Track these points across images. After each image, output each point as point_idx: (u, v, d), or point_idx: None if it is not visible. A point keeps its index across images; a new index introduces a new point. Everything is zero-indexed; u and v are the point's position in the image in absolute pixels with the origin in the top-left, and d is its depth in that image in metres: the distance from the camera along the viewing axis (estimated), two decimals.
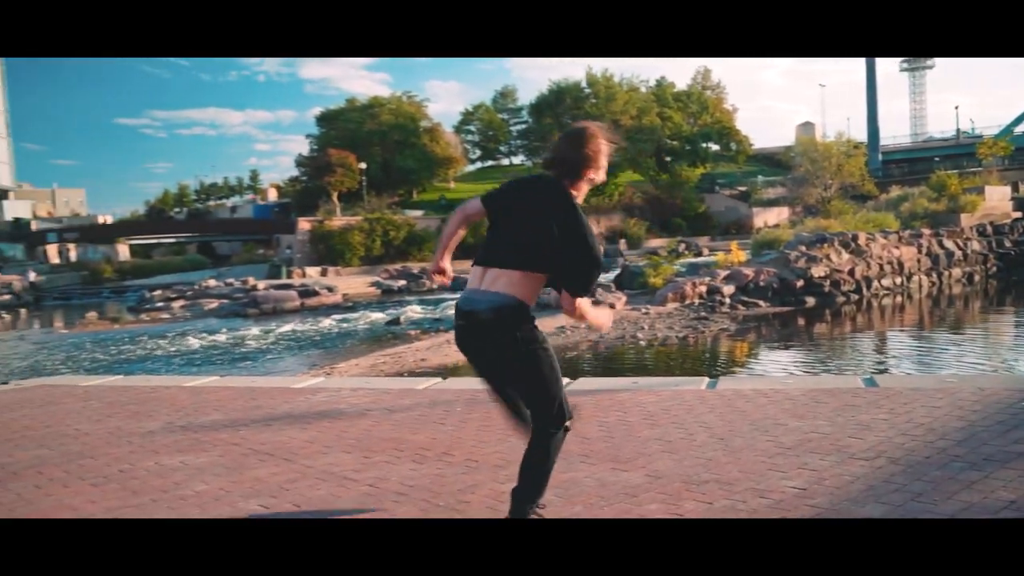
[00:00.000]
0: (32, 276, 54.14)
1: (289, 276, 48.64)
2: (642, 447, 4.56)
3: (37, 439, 5.58)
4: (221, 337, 26.09)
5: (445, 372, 15.22)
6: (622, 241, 58.27)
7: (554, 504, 3.66)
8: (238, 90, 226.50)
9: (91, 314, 36.54)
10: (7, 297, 46.78)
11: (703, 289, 20.17)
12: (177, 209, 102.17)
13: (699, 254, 44.59)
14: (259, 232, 72.30)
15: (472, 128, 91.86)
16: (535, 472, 3.29)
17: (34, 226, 73.91)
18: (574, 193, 3.35)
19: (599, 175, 3.45)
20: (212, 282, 45.65)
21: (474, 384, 7.18)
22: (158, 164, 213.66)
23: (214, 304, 38.04)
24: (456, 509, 3.70)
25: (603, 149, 3.45)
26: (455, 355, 17.39)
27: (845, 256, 22.02)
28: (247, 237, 74.92)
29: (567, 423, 3.33)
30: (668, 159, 75.32)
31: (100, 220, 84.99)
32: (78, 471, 4.72)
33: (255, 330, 27.34)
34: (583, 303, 3.26)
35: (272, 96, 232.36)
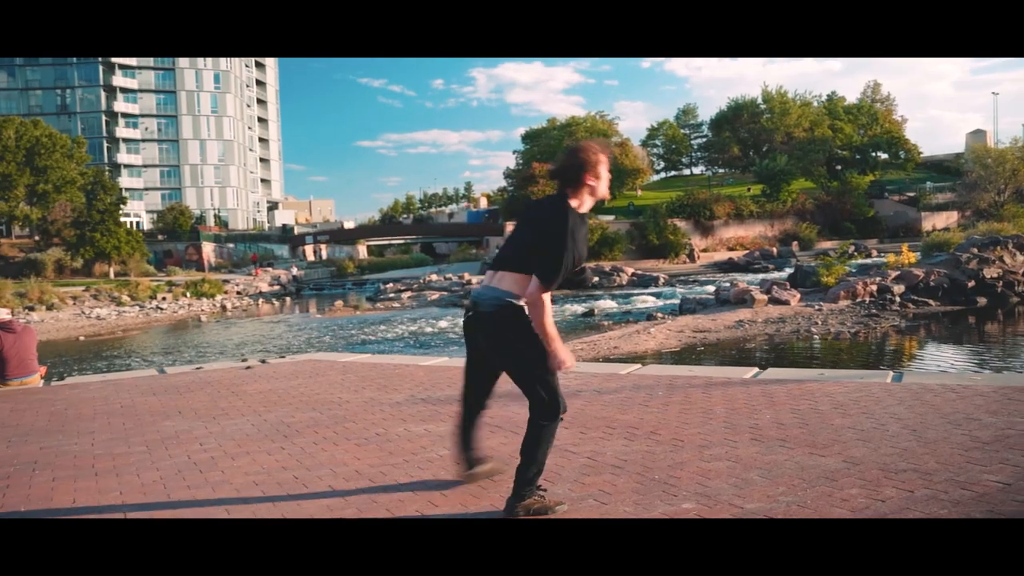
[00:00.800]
0: (295, 271, 58.07)
1: None
2: (836, 435, 4.29)
3: (311, 404, 5.93)
4: (442, 323, 26.94)
5: (636, 359, 15.09)
6: (795, 243, 55.75)
7: (758, 484, 3.51)
8: (455, 114, 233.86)
9: (338, 302, 38.61)
10: (277, 287, 50.43)
11: (874, 288, 18.96)
12: (405, 215, 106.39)
13: (868, 256, 42.02)
14: (472, 234, 74.21)
15: (657, 142, 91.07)
16: (527, 458, 3.31)
17: (296, 231, 79.08)
18: (574, 202, 3.30)
19: (599, 184, 3.38)
20: (434, 277, 47.30)
21: (672, 371, 7.05)
22: (390, 178, 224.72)
23: (436, 296, 39.32)
24: (668, 483, 3.61)
25: (599, 159, 3.38)
26: (644, 344, 17.18)
27: (1020, 258, 20.10)
28: (462, 239, 77.04)
29: (560, 415, 3.36)
30: (838, 167, 71.43)
31: (345, 225, 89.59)
32: (344, 432, 4.96)
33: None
34: (546, 314, 3.21)
35: (483, 119, 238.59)
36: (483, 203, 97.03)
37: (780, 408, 5.04)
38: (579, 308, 29.52)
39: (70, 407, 6.38)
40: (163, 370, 8.56)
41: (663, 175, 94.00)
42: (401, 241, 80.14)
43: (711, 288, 30.22)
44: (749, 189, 69.59)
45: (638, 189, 78.66)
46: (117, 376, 8.93)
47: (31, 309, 37.12)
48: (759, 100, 78.47)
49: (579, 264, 3.27)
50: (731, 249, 59.17)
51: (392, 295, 41.10)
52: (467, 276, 45.01)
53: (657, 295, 34.57)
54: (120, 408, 6.21)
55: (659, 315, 22.84)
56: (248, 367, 8.12)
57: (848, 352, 13.55)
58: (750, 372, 6.55)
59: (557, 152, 71.43)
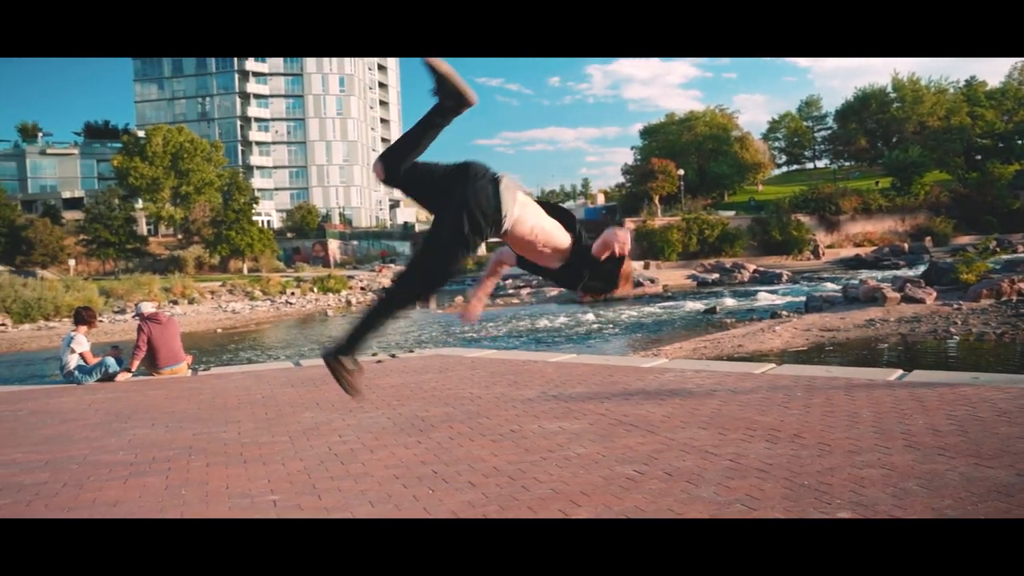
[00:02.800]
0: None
1: None
2: (1004, 444, 3.96)
3: (443, 399, 5.97)
4: (562, 320, 26.91)
5: (762, 358, 14.61)
6: (928, 239, 52.78)
7: (919, 495, 3.26)
8: (572, 111, 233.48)
9: (458, 298, 39.11)
10: None
11: (1023, 286, 17.72)
12: None
13: (1013, 251, 39.36)
14: (589, 231, 73.81)
15: (778, 135, 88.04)
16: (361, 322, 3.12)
17: (417, 228, 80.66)
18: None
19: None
20: None
21: (809, 371, 6.74)
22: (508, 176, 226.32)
23: (555, 292, 39.33)
24: (819, 490, 3.41)
25: None
26: (770, 342, 16.62)
27: None
28: None
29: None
30: (978, 157, 67.07)
31: None
32: (478, 428, 4.95)
33: (590, 315, 27.90)
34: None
35: (599, 115, 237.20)
36: (600, 199, 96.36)
37: (933, 413, 4.71)
38: (700, 305, 28.93)
39: (216, 396, 6.65)
40: (298, 363, 8.83)
41: (785, 169, 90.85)
42: None
43: (838, 286, 29.03)
44: (877, 182, 66.43)
45: (759, 184, 76.44)
46: (256, 368, 9.29)
47: (175, 303, 39.34)
48: (889, 88, 74.79)
49: None
50: (858, 245, 56.65)
51: (511, 291, 41.39)
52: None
53: (780, 292, 33.50)
54: (261, 399, 6.43)
55: (784, 313, 22.11)
56: (378, 361, 8.27)
57: (995, 355, 12.68)
58: (894, 374, 6.19)
59: (676, 146, 70.40)
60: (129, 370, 8.33)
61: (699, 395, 5.72)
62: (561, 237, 3.23)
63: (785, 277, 40.12)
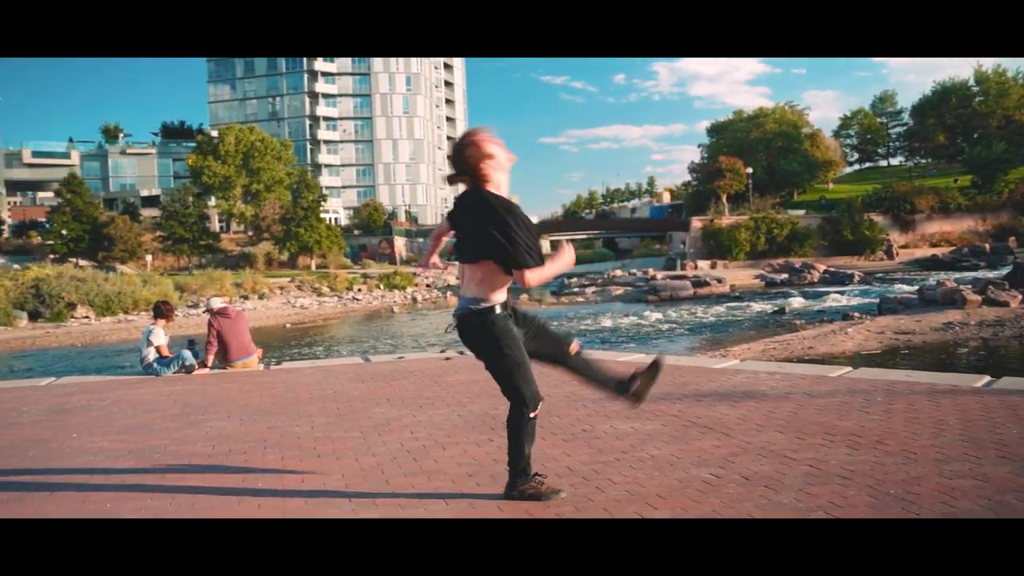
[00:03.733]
0: None
1: (683, 268, 48.70)
2: None
3: None
4: (628, 319, 26.72)
5: (833, 361, 14.26)
6: (1011, 239, 50.73)
7: (1019, 509, 3.12)
8: (637, 109, 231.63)
9: (523, 296, 39.15)
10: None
11: None
12: (587, 210, 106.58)
13: None
14: (655, 230, 73.24)
15: (850, 132, 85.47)
16: (515, 453, 3.48)
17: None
18: (492, 188, 3.30)
19: (495, 163, 3.31)
20: (618, 272, 47.09)
21: (889, 375, 6.53)
22: (572, 174, 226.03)
23: (620, 291, 39.13)
24: (906, 499, 3.28)
25: (479, 141, 3.31)
26: (842, 344, 16.22)
27: None
28: (644, 234, 76.16)
29: (538, 406, 3.52)
30: None
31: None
32: (550, 427, 4.92)
33: (656, 314, 27.65)
34: (535, 274, 3.22)
35: (665, 112, 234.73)
36: (666, 198, 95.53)
37: None
38: (768, 306, 28.41)
39: (288, 391, 6.76)
40: (367, 358, 8.93)
41: (857, 167, 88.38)
42: (584, 236, 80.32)
43: (913, 287, 28.17)
44: (956, 180, 64.19)
45: (830, 182, 74.69)
46: (326, 363, 9.42)
47: (245, 298, 40.27)
48: (971, 82, 72.20)
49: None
50: (934, 245, 54.89)
51: (576, 289, 41.28)
52: (651, 271, 44.44)
53: (852, 293, 32.68)
54: (332, 394, 6.51)
55: (855, 315, 21.56)
56: (447, 358, 8.30)
57: None
58: (981, 380, 5.94)
59: (745, 144, 69.15)
60: (204, 363, 8.53)
61: (773, 398, 5.58)
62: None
63: (857, 278, 39.15)
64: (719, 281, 38.41)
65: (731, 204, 63.61)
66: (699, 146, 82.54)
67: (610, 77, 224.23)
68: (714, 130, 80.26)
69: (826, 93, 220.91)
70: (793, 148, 70.12)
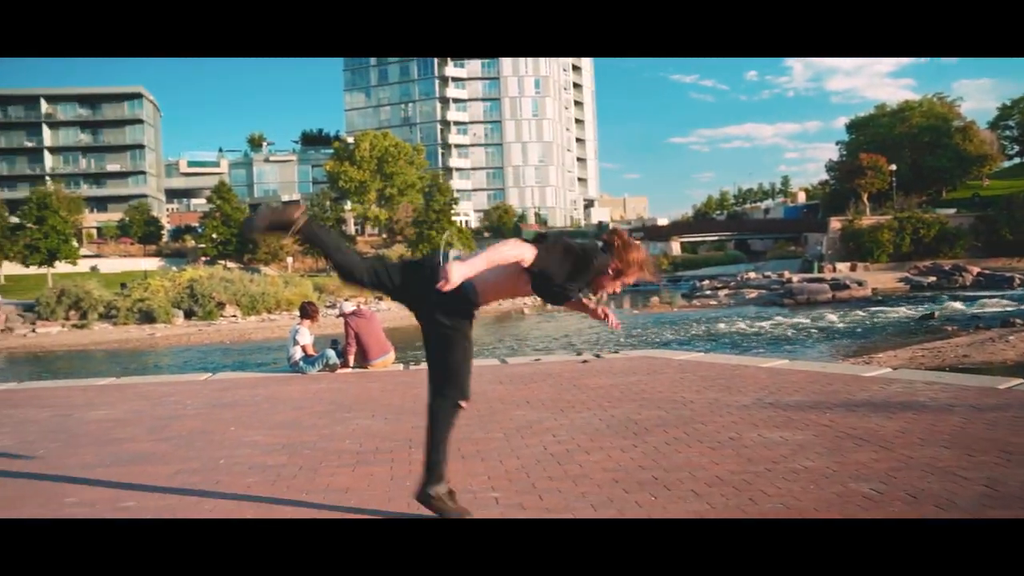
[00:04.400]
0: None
1: (820, 271, 46.83)
2: None
3: (654, 402, 5.84)
4: (763, 323, 25.93)
5: (990, 370, 13.34)
6: None
7: None
8: (770, 106, 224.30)
9: (654, 298, 38.72)
10: None
11: None
12: (718, 211, 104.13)
13: None
14: (789, 231, 70.82)
15: (1010, 123, 79.04)
16: (433, 442, 3.33)
17: (611, 227, 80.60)
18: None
19: (614, 277, 3.33)
20: (752, 274, 45.77)
21: None
22: (703, 174, 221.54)
23: (753, 294, 38.04)
24: None
25: (641, 260, 3.34)
26: (1002, 353, 15.16)
27: None
28: (778, 235, 73.72)
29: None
30: None
31: (658, 222, 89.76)
32: (695, 434, 4.79)
33: (792, 318, 26.71)
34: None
35: (800, 109, 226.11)
36: (801, 198, 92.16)
37: None
38: (914, 311, 26.94)
39: None
40: (504, 360, 9.00)
41: (1017, 160, 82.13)
42: (715, 238, 78.61)
43: None
44: None
45: (984, 178, 69.94)
46: None
47: (379, 299, 41.52)
48: None
49: None
50: None
51: (708, 292, 40.39)
52: (787, 274, 42.93)
53: (1012, 298, 30.53)
54: (472, 395, 6.57)
55: (1017, 321, 20.12)
56: (584, 361, 8.26)
57: None
58: None
59: (887, 140, 65.64)
60: (346, 363, 8.82)
61: (934, 410, 5.24)
62: (513, 272, 3.21)
63: (1017, 281, 36.54)
64: (859, 284, 36.69)
65: (872, 203, 60.65)
66: (837, 143, 79.08)
67: (741, 74, 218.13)
68: (854, 126, 76.62)
69: (980, 81, 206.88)
70: (942, 143, 66.01)
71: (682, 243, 77.05)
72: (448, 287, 2.96)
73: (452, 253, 3.22)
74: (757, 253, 74.17)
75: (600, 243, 3.34)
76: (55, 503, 3.94)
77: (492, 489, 3.81)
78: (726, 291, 40.23)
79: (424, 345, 3.40)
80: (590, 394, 6.32)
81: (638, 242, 3.42)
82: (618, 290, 3.42)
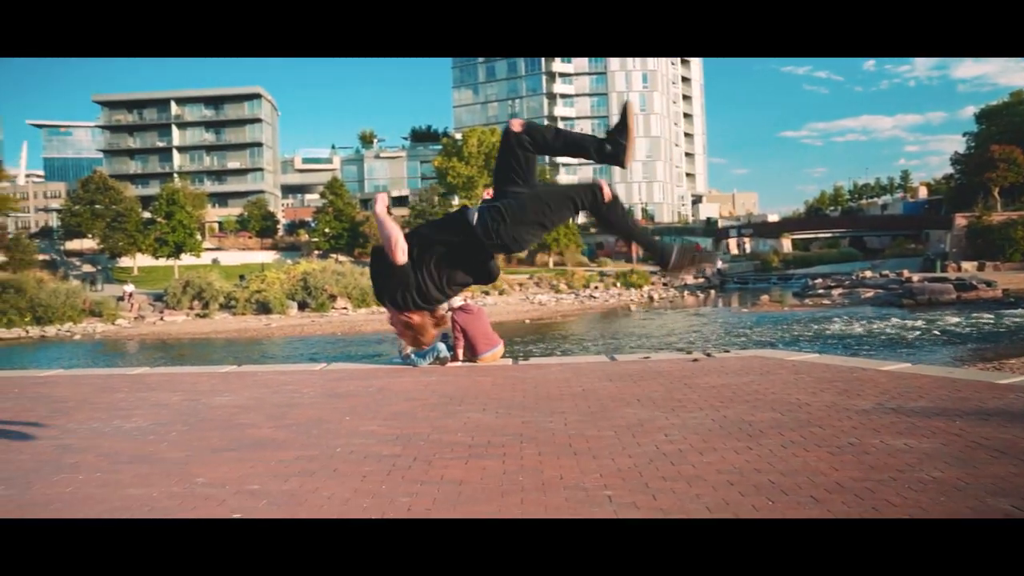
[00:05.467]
0: (719, 264, 58.11)
1: (943, 270, 44.56)
2: None
3: (768, 403, 5.69)
4: (879, 324, 24.91)
5: None
6: None
7: None
8: (889, 97, 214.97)
9: (764, 297, 37.74)
10: (701, 280, 50.97)
11: None
12: (832, 208, 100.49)
13: None
14: (909, 228, 67.74)
15: None
16: None
17: (720, 224, 79.06)
18: None
19: None
20: (868, 273, 44.00)
21: None
22: (815, 169, 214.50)
23: (870, 293, 36.59)
24: None
25: None
26: None
27: None
28: (896, 232, 70.65)
29: None
30: None
31: (768, 218, 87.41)
32: (812, 438, 4.64)
33: (912, 319, 25.54)
34: None
35: (922, 99, 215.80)
36: (922, 193, 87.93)
37: None
38: None
39: (539, 386, 6.91)
40: (613, 357, 8.94)
41: None
42: (828, 235, 75.95)
43: None
44: None
45: None
46: (572, 360, 9.56)
47: (486, 293, 41.94)
48: None
49: None
50: None
51: (821, 291, 39.08)
52: (906, 273, 41.03)
53: None
54: (582, 391, 6.57)
55: None
56: (694, 360, 8.13)
57: None
58: None
59: (1020, 128, 61.72)
60: (456, 356, 8.97)
61: None
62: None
63: None
64: (988, 285, 34.70)
65: (1004, 199, 57.28)
66: (964, 134, 74.82)
67: (857, 65, 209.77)
68: (984, 116, 72.37)
69: None
70: None
71: (793, 240, 74.83)
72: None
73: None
74: (873, 251, 71.31)
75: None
76: (187, 482, 4.15)
77: (605, 487, 3.79)
78: (840, 290, 38.80)
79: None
80: (701, 393, 6.21)
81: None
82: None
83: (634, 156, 3.40)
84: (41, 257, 59.37)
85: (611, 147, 3.36)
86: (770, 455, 4.28)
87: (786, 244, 73.66)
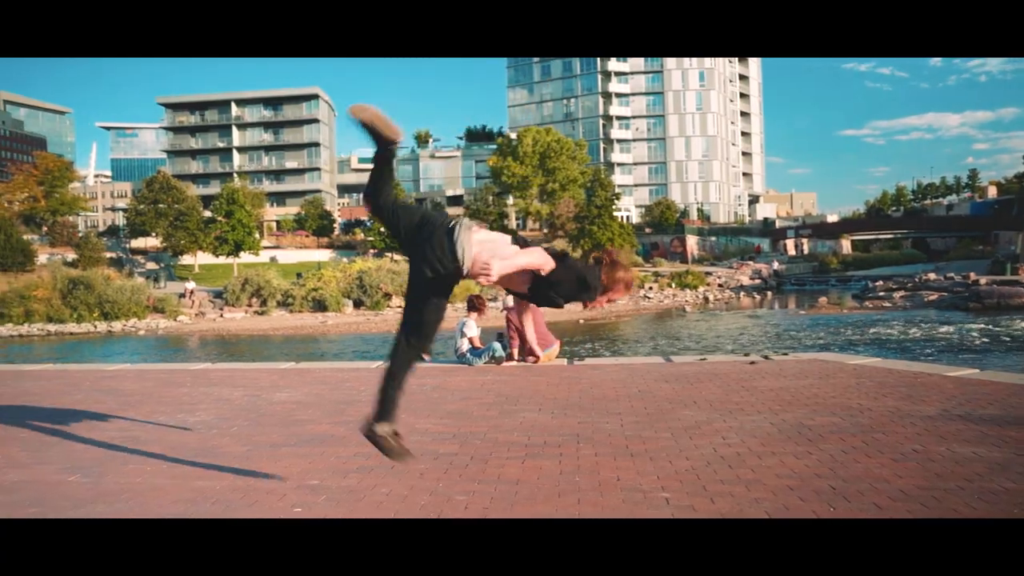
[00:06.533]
0: (775, 265, 57.21)
1: (1014, 272, 43.13)
2: None
3: (828, 407, 5.59)
4: (943, 328, 24.25)
5: None
6: None
7: None
8: (956, 93, 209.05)
9: (822, 299, 37.02)
10: (757, 281, 50.28)
11: None
12: (894, 208, 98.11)
13: None
14: (977, 229, 65.81)
15: None
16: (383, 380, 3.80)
17: (777, 224, 77.86)
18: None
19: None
20: (931, 275, 42.87)
21: None
22: (877, 168, 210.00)
23: (933, 296, 35.66)
24: None
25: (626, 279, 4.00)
26: None
27: None
28: (963, 233, 68.73)
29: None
30: None
31: (827, 219, 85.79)
32: (874, 444, 4.55)
33: (979, 324, 24.82)
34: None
35: (994, 95, 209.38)
36: (991, 192, 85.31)
37: None
38: None
39: (594, 387, 6.90)
40: (669, 358, 8.88)
41: None
42: (890, 236, 74.24)
43: None
44: None
45: None
46: (628, 360, 9.52)
47: None
48: None
49: None
50: None
51: (882, 294, 38.22)
52: (973, 276, 39.87)
53: None
54: (638, 392, 6.54)
55: None
56: (752, 362, 8.02)
57: None
58: None
59: None
60: (511, 356, 8.98)
61: None
62: (523, 261, 3.60)
63: None
64: None
65: None
66: None
67: (923, 61, 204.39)
68: None
69: None
70: None
71: (853, 241, 73.28)
72: (488, 282, 3.48)
73: (465, 223, 3.62)
74: (938, 252, 69.46)
75: (593, 260, 3.89)
76: (249, 476, 4.24)
77: (663, 489, 3.77)
78: (902, 293, 37.88)
79: (407, 289, 3.74)
80: (759, 396, 6.13)
81: (625, 263, 3.93)
82: (603, 305, 4.00)
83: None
84: (108, 255, 61.25)
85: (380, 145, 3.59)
86: (831, 460, 4.20)
87: (845, 245, 72.16)
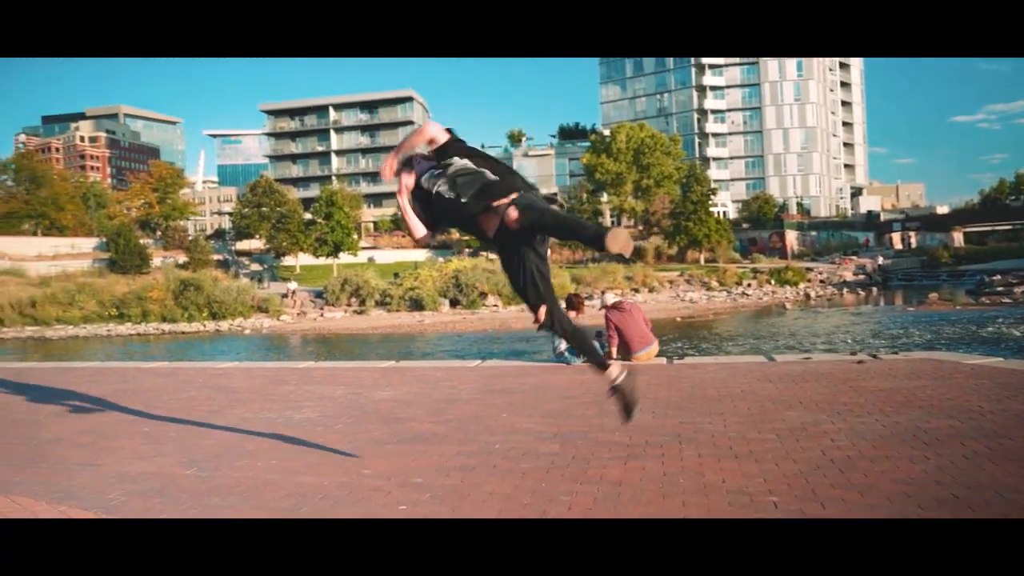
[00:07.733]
0: (880, 260, 55.13)
1: None
2: None
3: (945, 410, 5.33)
4: None
5: None
6: None
7: None
8: None
9: (932, 295, 35.36)
10: (862, 277, 48.58)
11: None
12: (1012, 197, 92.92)
13: None
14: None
15: None
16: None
17: (882, 217, 75.01)
18: None
19: None
20: None
21: None
22: (993, 156, 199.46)
23: None
24: None
25: None
26: None
27: None
28: None
29: None
30: None
31: (937, 210, 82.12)
32: (999, 450, 4.28)
33: None
34: None
35: None
36: None
37: None
38: None
39: (695, 387, 6.79)
40: (771, 357, 8.66)
41: None
42: (1008, 227, 70.31)
43: None
44: None
45: None
46: (729, 359, 9.34)
47: (636, 291, 41.65)
48: None
49: None
50: None
51: (1000, 289, 36.30)
52: None
53: None
54: (740, 392, 6.39)
55: None
56: (859, 361, 7.74)
57: None
58: None
59: None
60: (609, 355, 8.92)
61: None
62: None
63: None
64: None
65: None
66: None
67: None
68: None
69: None
70: None
71: (966, 233, 69.85)
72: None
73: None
74: None
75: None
76: (355, 473, 4.35)
77: (770, 493, 3.68)
78: (1023, 288, 35.88)
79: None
80: (868, 397, 5.90)
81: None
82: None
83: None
84: (216, 257, 63.95)
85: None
86: (951, 466, 4.01)
87: (957, 238, 68.85)
